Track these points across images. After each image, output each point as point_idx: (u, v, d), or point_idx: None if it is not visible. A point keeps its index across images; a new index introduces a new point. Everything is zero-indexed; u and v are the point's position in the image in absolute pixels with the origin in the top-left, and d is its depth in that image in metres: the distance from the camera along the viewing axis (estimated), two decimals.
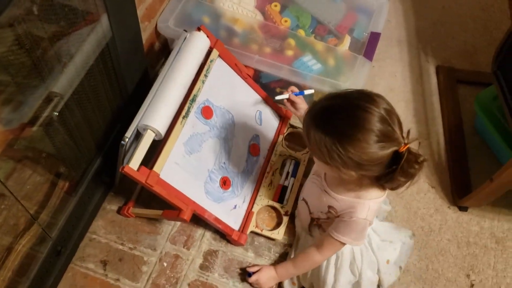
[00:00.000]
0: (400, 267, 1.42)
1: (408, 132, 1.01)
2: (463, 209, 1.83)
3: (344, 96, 1.03)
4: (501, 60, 1.71)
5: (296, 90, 1.49)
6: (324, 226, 1.29)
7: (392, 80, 2.11)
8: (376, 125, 0.96)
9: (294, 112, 1.47)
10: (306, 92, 1.50)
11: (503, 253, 1.75)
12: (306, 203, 1.32)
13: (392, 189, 1.11)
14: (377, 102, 0.99)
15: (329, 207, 1.21)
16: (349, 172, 1.03)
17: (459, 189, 1.83)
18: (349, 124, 0.98)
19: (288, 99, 1.45)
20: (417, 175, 1.03)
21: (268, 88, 1.63)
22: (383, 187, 1.14)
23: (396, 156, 0.98)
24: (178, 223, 1.44)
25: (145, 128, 1.21)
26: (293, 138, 1.55)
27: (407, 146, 0.97)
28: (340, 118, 1.00)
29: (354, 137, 0.97)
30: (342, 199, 1.17)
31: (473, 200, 1.75)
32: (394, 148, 0.97)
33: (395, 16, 2.32)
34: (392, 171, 1.00)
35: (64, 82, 1.13)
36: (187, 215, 1.24)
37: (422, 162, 1.00)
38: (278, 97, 1.50)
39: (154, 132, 1.22)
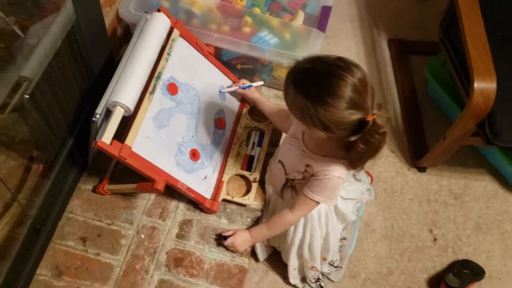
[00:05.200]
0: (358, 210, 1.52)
1: (380, 105, 1.09)
2: (422, 170, 1.93)
3: (323, 61, 1.09)
4: (446, 27, 1.82)
5: (247, 83, 1.59)
6: (298, 188, 1.36)
7: (347, 54, 2.18)
8: (347, 92, 1.03)
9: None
10: (255, 84, 1.59)
11: (461, 207, 1.87)
12: (283, 164, 1.38)
13: (354, 163, 1.19)
14: (353, 71, 1.06)
15: (307, 165, 1.28)
16: (318, 132, 1.11)
17: (417, 151, 1.94)
18: (323, 88, 1.06)
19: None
20: (378, 148, 1.12)
21: (229, 65, 1.70)
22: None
23: (362, 124, 1.06)
24: (153, 197, 1.49)
25: (115, 104, 1.26)
26: (257, 111, 1.62)
27: (374, 116, 1.05)
28: (316, 82, 1.07)
29: (325, 101, 1.04)
30: (319, 158, 1.25)
31: (430, 160, 1.85)
32: (361, 116, 1.05)
33: None
34: (355, 137, 1.08)
35: (34, 64, 1.16)
36: (160, 185, 1.29)
37: (383, 133, 1.08)
38: (224, 90, 1.59)
39: (123, 108, 1.27)
